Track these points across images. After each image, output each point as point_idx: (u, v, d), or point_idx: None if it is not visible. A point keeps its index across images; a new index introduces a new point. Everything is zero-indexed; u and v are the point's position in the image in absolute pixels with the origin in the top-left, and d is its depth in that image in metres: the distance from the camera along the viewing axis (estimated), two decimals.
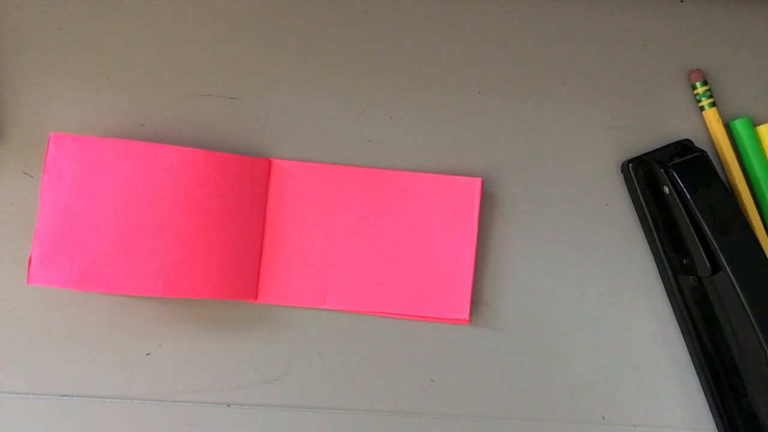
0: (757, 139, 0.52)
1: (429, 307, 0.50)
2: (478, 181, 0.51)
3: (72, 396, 0.49)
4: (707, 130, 0.53)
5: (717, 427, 0.50)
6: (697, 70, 0.52)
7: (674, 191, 0.48)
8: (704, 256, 0.47)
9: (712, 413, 0.50)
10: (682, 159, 0.49)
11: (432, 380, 0.51)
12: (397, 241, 0.51)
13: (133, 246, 0.47)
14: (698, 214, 0.47)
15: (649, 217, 0.50)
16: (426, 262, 0.51)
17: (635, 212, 0.52)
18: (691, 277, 0.50)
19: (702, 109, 0.52)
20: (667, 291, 0.51)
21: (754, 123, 0.52)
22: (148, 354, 0.50)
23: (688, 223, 0.47)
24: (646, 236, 0.52)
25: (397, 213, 0.51)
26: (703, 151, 0.49)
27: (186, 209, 0.48)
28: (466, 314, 0.50)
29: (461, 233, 0.51)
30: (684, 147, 0.51)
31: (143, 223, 0.47)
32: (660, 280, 0.52)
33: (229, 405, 0.50)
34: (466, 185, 0.51)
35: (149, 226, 0.47)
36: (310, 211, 0.51)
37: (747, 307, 0.45)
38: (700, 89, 0.52)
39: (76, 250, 0.47)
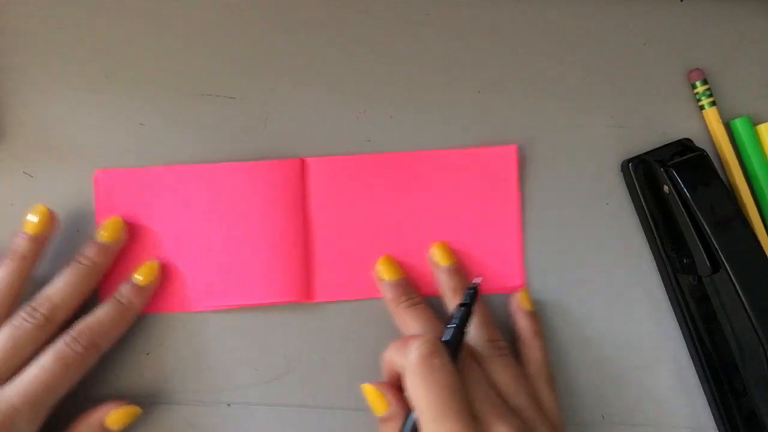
0: (757, 138, 0.52)
1: (485, 282, 0.50)
2: (513, 148, 0.51)
3: (72, 396, 0.49)
4: (707, 129, 0.53)
5: (717, 426, 0.50)
6: (697, 69, 0.52)
7: (674, 190, 0.48)
8: (704, 255, 0.47)
9: (712, 412, 0.50)
10: (682, 158, 0.49)
11: None
12: (444, 221, 0.51)
13: (184, 266, 0.49)
14: (698, 213, 0.47)
15: (649, 216, 0.50)
16: (475, 237, 0.50)
17: (635, 211, 0.52)
18: (690, 276, 0.50)
19: (702, 108, 0.52)
20: (667, 290, 0.51)
21: (754, 122, 0.52)
22: (148, 354, 0.50)
23: (688, 222, 0.47)
24: (646, 235, 0.52)
25: (438, 192, 0.51)
26: (703, 150, 0.49)
27: (232, 222, 0.49)
28: (521, 280, 0.50)
29: (504, 201, 0.51)
30: (684, 146, 0.51)
31: (192, 242, 0.49)
32: (660, 279, 0.52)
33: (229, 405, 0.50)
34: (502, 154, 0.51)
35: (198, 245, 0.49)
36: (353, 203, 0.51)
37: (747, 306, 0.45)
38: (700, 88, 0.52)
39: None
